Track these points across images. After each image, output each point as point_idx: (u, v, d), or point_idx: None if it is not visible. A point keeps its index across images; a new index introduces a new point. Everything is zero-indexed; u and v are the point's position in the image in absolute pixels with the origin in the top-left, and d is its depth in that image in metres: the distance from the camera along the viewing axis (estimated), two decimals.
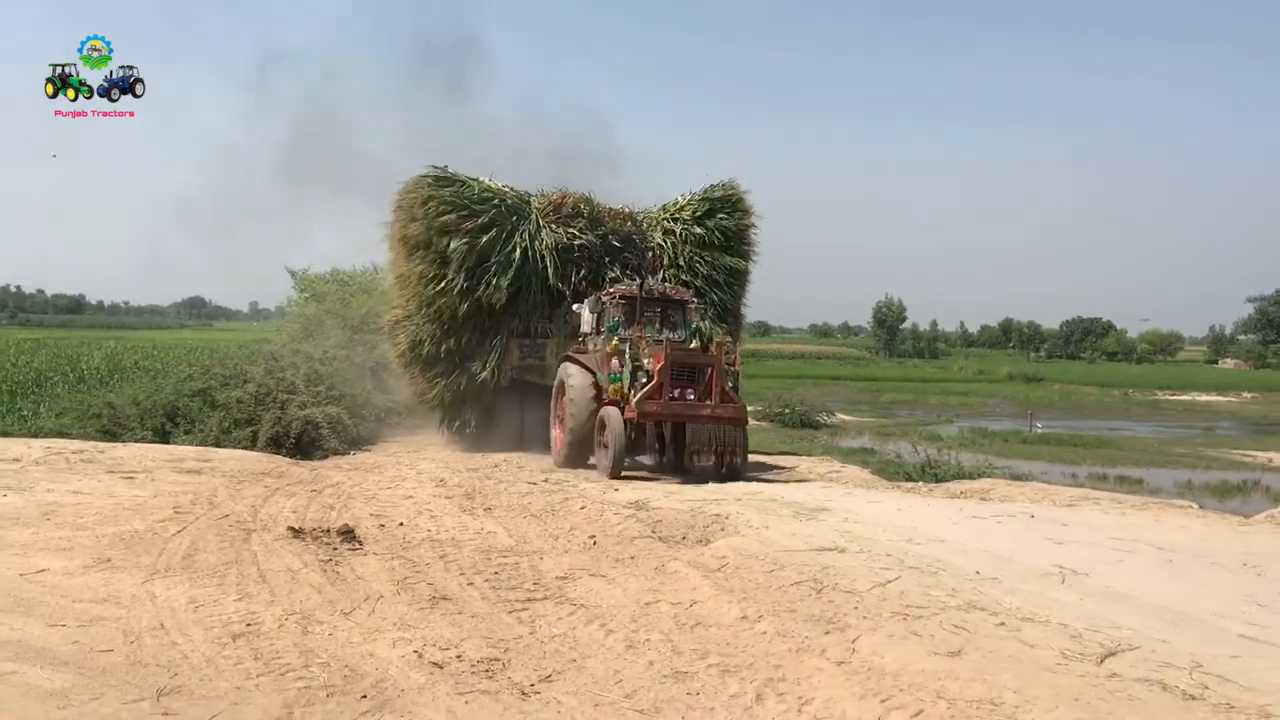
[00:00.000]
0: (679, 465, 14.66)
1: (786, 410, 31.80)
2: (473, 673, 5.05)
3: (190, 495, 9.75)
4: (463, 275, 18.46)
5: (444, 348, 19.06)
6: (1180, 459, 30.92)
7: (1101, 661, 4.87)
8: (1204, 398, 65.42)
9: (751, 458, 15.52)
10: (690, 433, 13.90)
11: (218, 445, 15.86)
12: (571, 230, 19.45)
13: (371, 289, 30.77)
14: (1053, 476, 20.12)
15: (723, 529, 8.75)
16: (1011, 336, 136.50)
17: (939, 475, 18.15)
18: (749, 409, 15.55)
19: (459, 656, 5.27)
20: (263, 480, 11.39)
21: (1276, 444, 30.17)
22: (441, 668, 5.10)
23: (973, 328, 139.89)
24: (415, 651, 5.32)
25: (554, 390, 16.70)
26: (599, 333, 16.22)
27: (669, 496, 10.99)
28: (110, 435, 16.60)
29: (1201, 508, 11.75)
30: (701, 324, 16.27)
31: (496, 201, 19.17)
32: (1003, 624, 5.52)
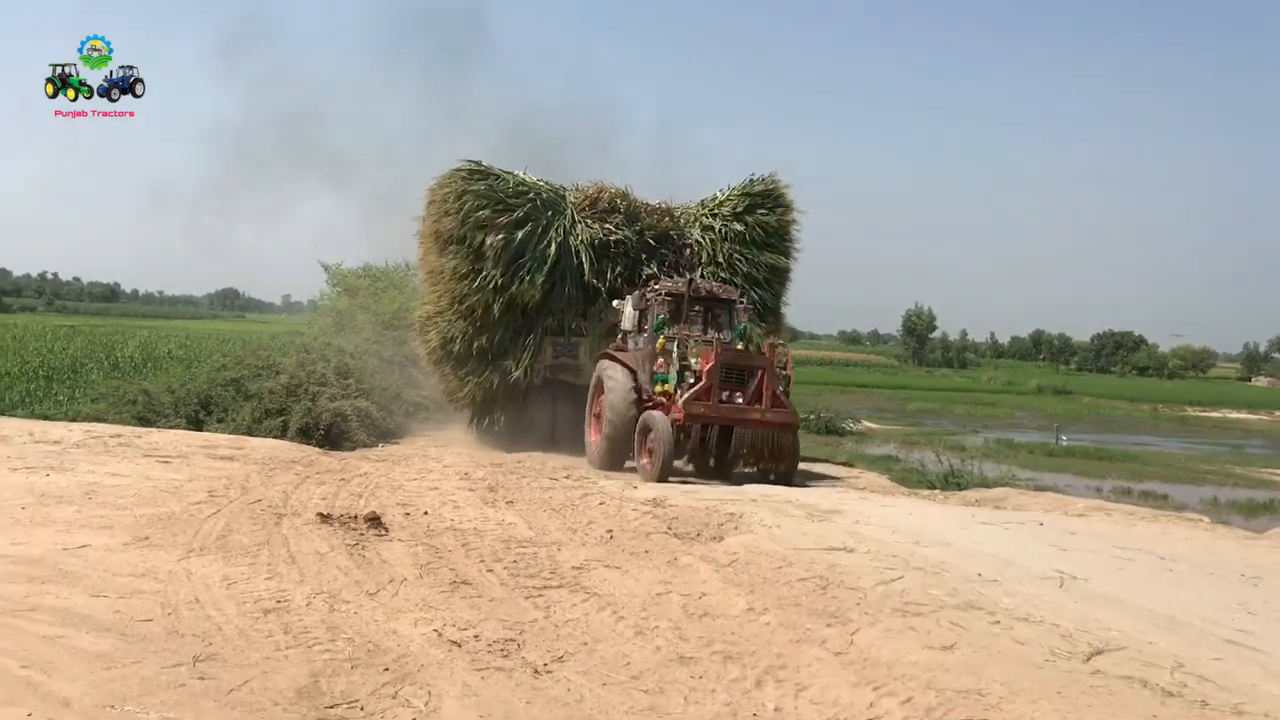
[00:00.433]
0: (722, 471, 14.35)
1: (811, 416, 31.99)
2: (489, 651, 5.33)
3: (224, 480, 10.09)
4: (497, 271, 18.06)
5: (476, 345, 18.65)
6: (1207, 476, 30.85)
7: (1087, 659, 5.10)
8: (1235, 415, 65.00)
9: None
10: (737, 438, 13.60)
11: (249, 434, 16.24)
12: (607, 225, 19.01)
13: (403, 285, 31.17)
14: (1077, 490, 20.19)
15: (736, 527, 8.99)
16: (1042, 348, 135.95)
17: (960, 484, 18.30)
18: None
19: (476, 636, 5.56)
20: (293, 468, 11.73)
21: None
22: (460, 646, 5.39)
23: (1003, 339, 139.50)
24: (435, 630, 5.61)
25: (590, 389, 16.45)
26: (641, 331, 15.88)
27: (686, 495, 11.24)
28: (145, 421, 17.02)
29: (1211, 522, 11.90)
30: (749, 324, 15.93)
31: (531, 196, 18.81)
32: (997, 622, 5.75)
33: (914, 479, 20.49)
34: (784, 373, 14.40)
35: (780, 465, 13.84)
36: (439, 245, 18.92)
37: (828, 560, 7.32)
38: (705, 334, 15.50)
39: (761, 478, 13.70)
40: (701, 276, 17.81)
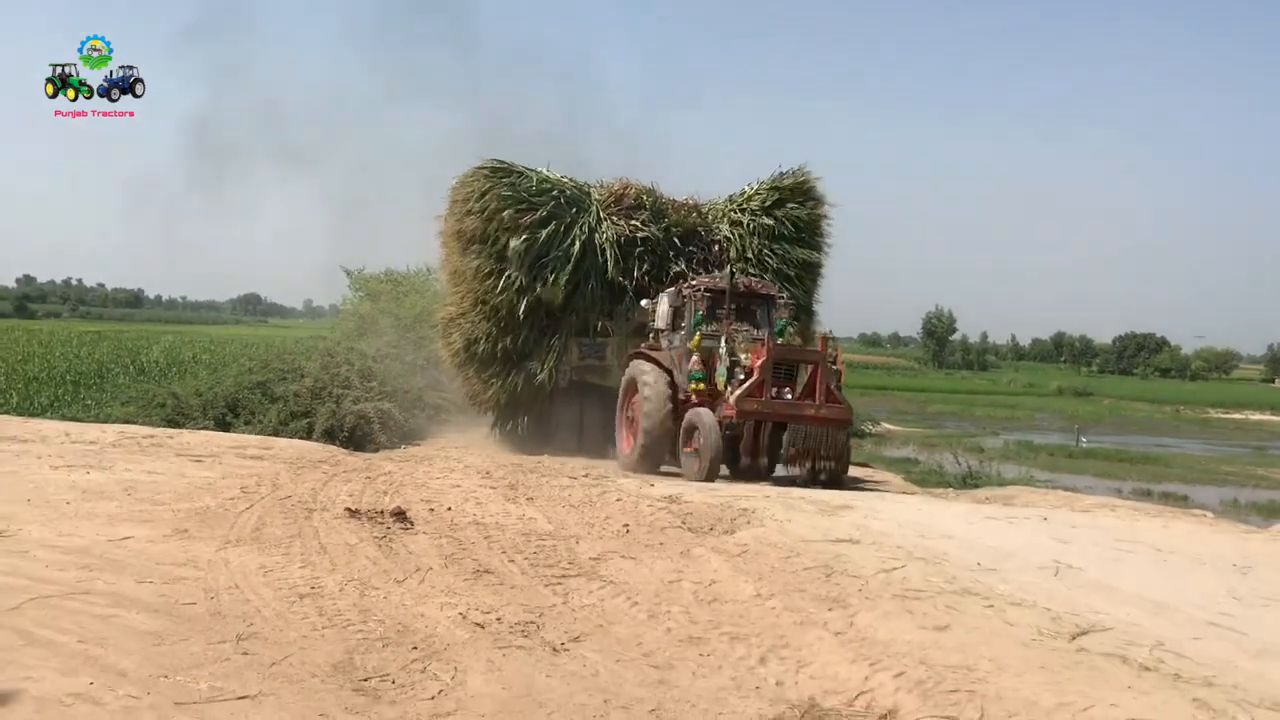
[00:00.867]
0: (769, 470, 14.12)
1: None
2: (510, 632, 5.69)
3: (255, 478, 10.47)
4: (521, 271, 17.86)
5: (500, 346, 18.43)
6: (1228, 477, 31.03)
7: (1073, 639, 5.41)
8: (1257, 416, 64.88)
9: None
10: (790, 435, 13.16)
11: (275, 435, 16.70)
12: (634, 222, 18.71)
13: (424, 289, 31.69)
14: (1096, 491, 20.45)
15: (749, 521, 9.30)
16: (1063, 350, 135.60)
17: (978, 484, 18.54)
18: None
19: (499, 619, 5.91)
20: (320, 467, 12.11)
21: None
22: (483, 627, 5.75)
23: (1024, 340, 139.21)
24: (460, 614, 5.97)
25: (621, 390, 16.07)
26: (676, 329, 15.54)
27: (702, 492, 11.56)
28: (174, 424, 17.53)
29: (1215, 517, 12.15)
30: (789, 320, 15.79)
31: (555, 193, 18.52)
32: (991, 606, 6.07)
33: (932, 480, 20.79)
34: (835, 368, 13.99)
35: (832, 464, 13.43)
36: (462, 245, 18.77)
37: (834, 551, 7.64)
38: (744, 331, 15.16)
39: (802, 480, 13.43)
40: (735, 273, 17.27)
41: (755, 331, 15.15)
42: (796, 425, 13.15)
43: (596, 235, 18.32)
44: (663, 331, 15.82)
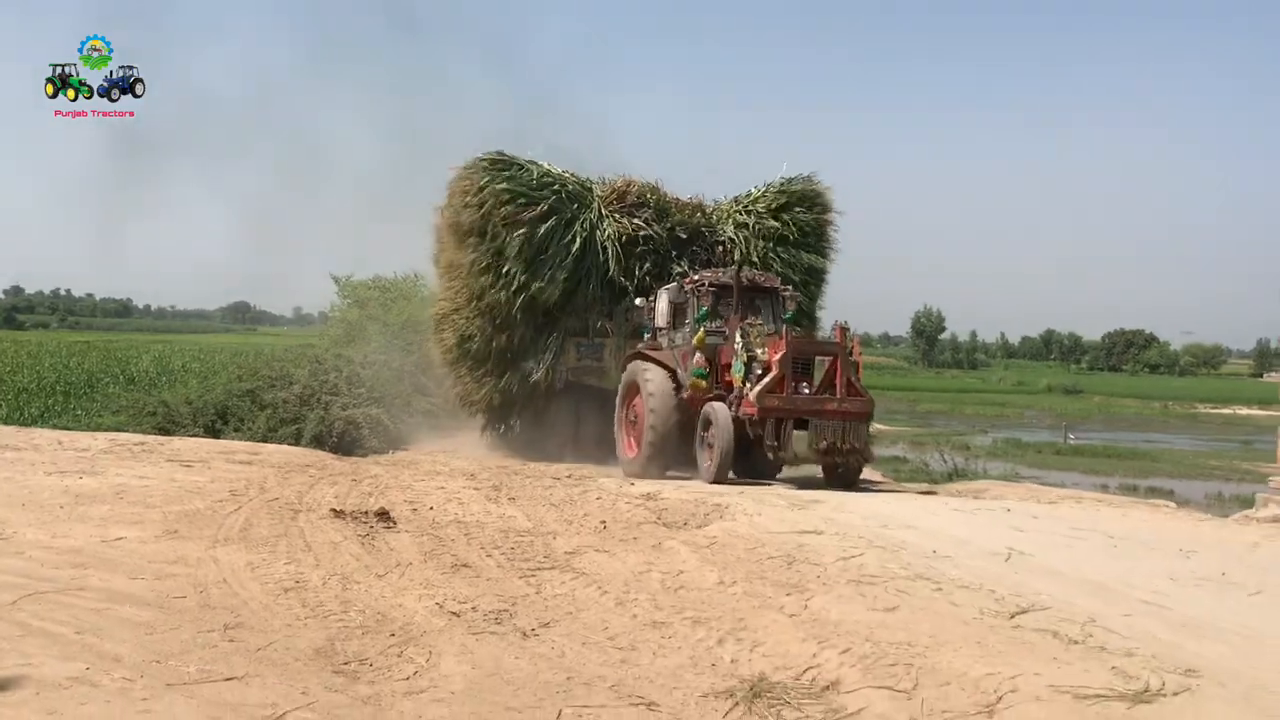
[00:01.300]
0: (776, 470, 13.92)
1: None
2: (484, 620, 6.02)
3: (243, 481, 10.79)
4: (519, 267, 17.35)
5: (495, 344, 17.96)
6: (1214, 472, 31.40)
7: (1011, 617, 5.75)
8: (1245, 411, 65.32)
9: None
10: (815, 431, 12.71)
11: (265, 441, 16.97)
12: (636, 220, 18.14)
13: (412, 295, 31.90)
14: (1083, 487, 20.79)
15: (721, 516, 9.64)
16: (1052, 348, 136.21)
17: (957, 479, 18.88)
18: None
19: (474, 608, 6.24)
20: (307, 471, 12.43)
21: None
22: (458, 615, 6.08)
23: (1013, 338, 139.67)
24: (437, 604, 6.30)
25: (621, 393, 15.60)
26: (677, 326, 15.16)
27: (679, 489, 11.89)
28: (164, 431, 17.78)
29: (1177, 507, 12.52)
30: (796, 312, 15.38)
31: (556, 188, 17.99)
32: (939, 589, 6.41)
33: (919, 477, 21.11)
34: (853, 359, 13.46)
35: (849, 462, 13.13)
36: (458, 239, 18.35)
37: (797, 541, 7.98)
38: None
39: (829, 475, 13.28)
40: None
41: (766, 325, 14.55)
42: (820, 421, 12.76)
43: (598, 233, 17.83)
44: (662, 330, 15.48)
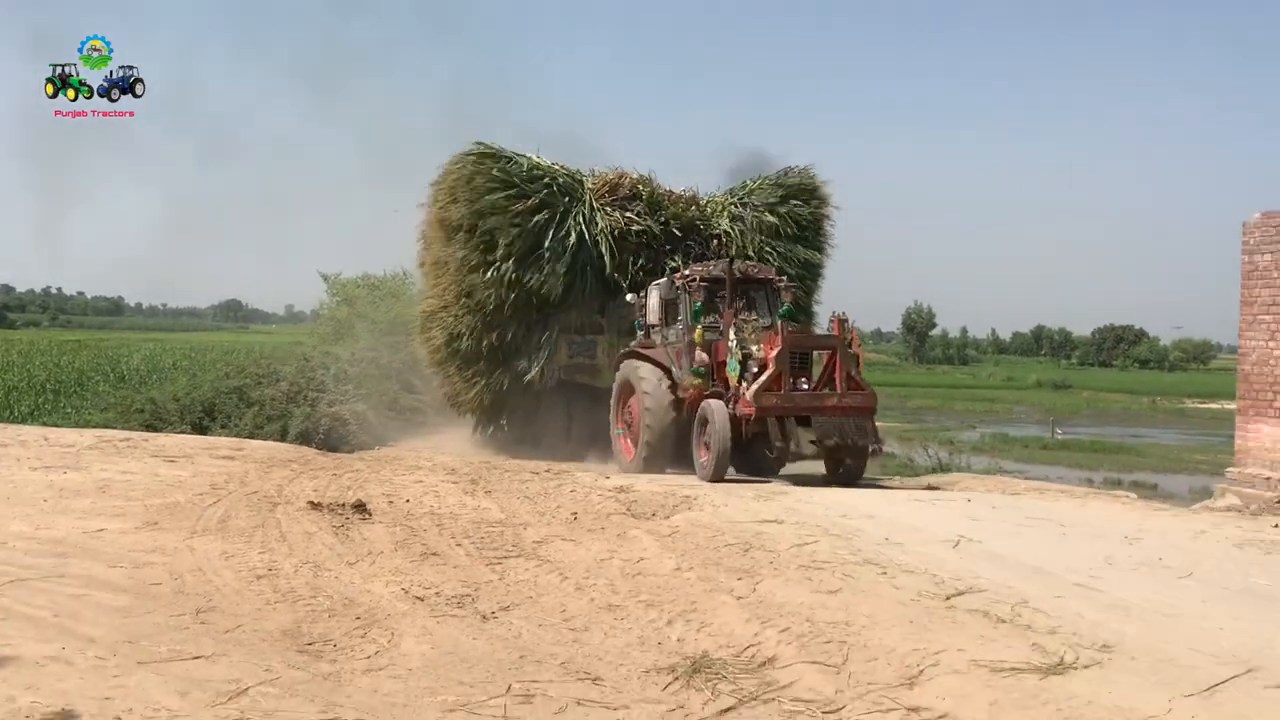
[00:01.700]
0: (778, 467, 13.58)
1: None
2: (447, 604, 6.30)
3: (225, 476, 11.04)
4: (510, 263, 16.99)
5: (485, 343, 17.55)
6: (1199, 465, 31.72)
7: (947, 599, 6.04)
8: (1232, 406, 65.62)
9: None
10: (818, 428, 12.34)
11: (251, 438, 17.23)
12: (629, 214, 17.76)
13: (400, 293, 32.17)
14: (1068, 481, 21.09)
15: (689, 506, 9.93)
16: (1043, 344, 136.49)
17: (937, 471, 19.20)
18: None
19: (438, 593, 6.52)
20: (289, 466, 12.67)
21: None
22: (422, 600, 6.36)
23: (1004, 334, 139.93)
24: (403, 589, 6.58)
25: (614, 393, 15.28)
26: (670, 323, 14.83)
27: (652, 483, 12.17)
28: (152, 428, 18.08)
29: (1138, 498, 12.83)
30: (793, 305, 14.92)
31: (547, 180, 17.57)
32: (884, 573, 6.70)
33: (905, 472, 21.43)
34: (853, 351, 12.97)
35: (852, 458, 12.78)
36: (445, 234, 18.02)
37: (756, 530, 8.27)
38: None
39: (832, 472, 13.00)
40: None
41: (761, 320, 14.26)
42: (821, 418, 12.35)
43: (591, 227, 17.41)
44: (654, 327, 15.11)
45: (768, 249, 18.00)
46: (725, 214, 18.60)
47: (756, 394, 12.41)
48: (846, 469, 12.90)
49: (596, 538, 8.45)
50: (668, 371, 14.31)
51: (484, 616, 6.06)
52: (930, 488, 13.26)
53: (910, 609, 5.84)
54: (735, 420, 12.71)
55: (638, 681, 5.01)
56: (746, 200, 18.77)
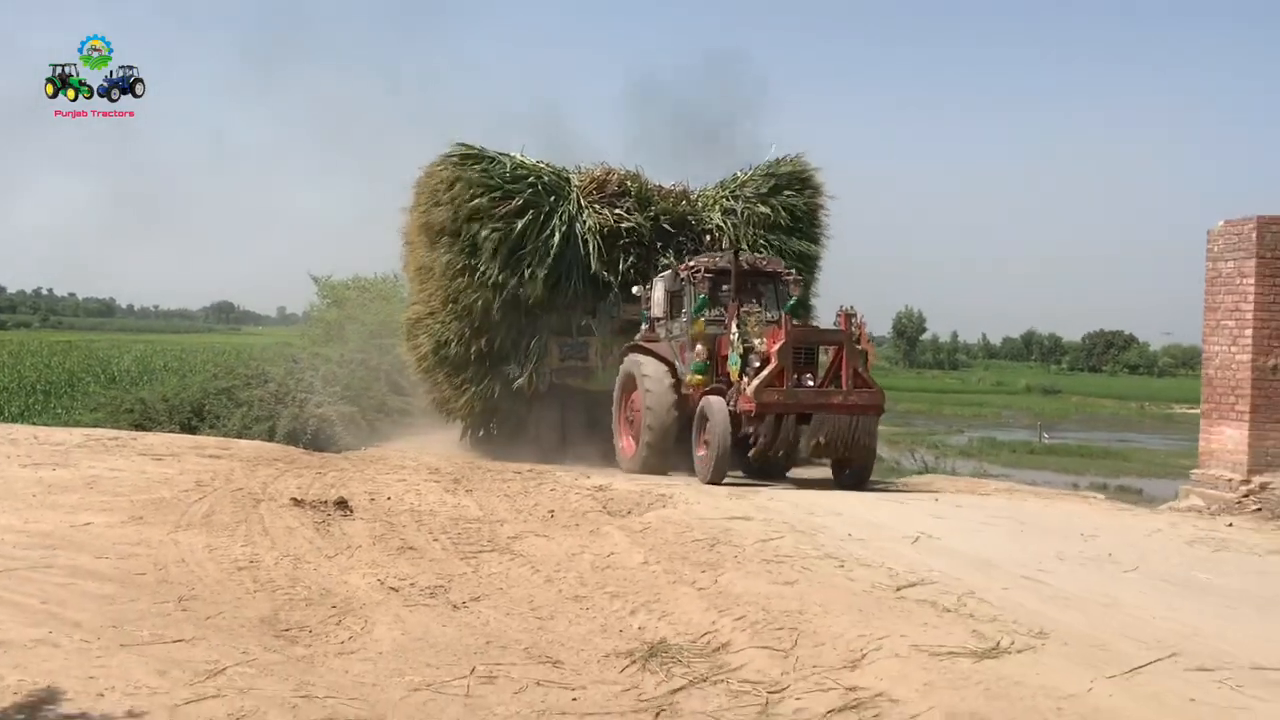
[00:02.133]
0: (785, 468, 13.37)
1: None
2: (420, 594, 6.56)
3: (210, 473, 11.27)
4: (495, 265, 16.55)
5: (474, 349, 17.14)
6: (1184, 470, 31.99)
7: (898, 590, 6.32)
8: None
9: None
10: (817, 426, 11.90)
11: (239, 438, 17.44)
12: (618, 211, 17.29)
13: (390, 296, 32.38)
14: (1054, 486, 21.39)
15: (664, 505, 10.19)
16: (1033, 349, 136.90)
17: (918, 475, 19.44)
18: None
19: (412, 584, 6.79)
20: (275, 464, 12.91)
21: None
22: (397, 591, 6.63)
23: (995, 339, 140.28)
24: (379, 580, 6.85)
25: (616, 389, 14.99)
26: (674, 316, 14.39)
27: (630, 481, 12.42)
28: (141, 428, 18.30)
29: (1106, 499, 13.13)
30: (801, 297, 14.62)
31: (532, 180, 17.10)
32: (841, 566, 6.98)
33: (890, 475, 21.69)
34: (860, 348, 12.50)
35: (858, 460, 12.36)
36: (429, 239, 17.66)
37: (725, 526, 8.54)
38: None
39: (836, 475, 12.67)
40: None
41: (766, 313, 13.73)
42: (822, 416, 11.90)
43: (577, 225, 16.96)
44: (659, 320, 14.71)
45: (762, 242, 17.53)
46: (717, 207, 18.16)
47: (757, 389, 11.98)
48: (854, 472, 12.48)
49: (570, 534, 8.71)
50: (671, 366, 13.93)
51: (455, 606, 6.33)
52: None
53: (861, 599, 6.11)
54: (735, 417, 12.33)
55: (597, 665, 5.28)
56: (738, 193, 18.30)
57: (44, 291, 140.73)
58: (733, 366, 12.55)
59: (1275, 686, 4.65)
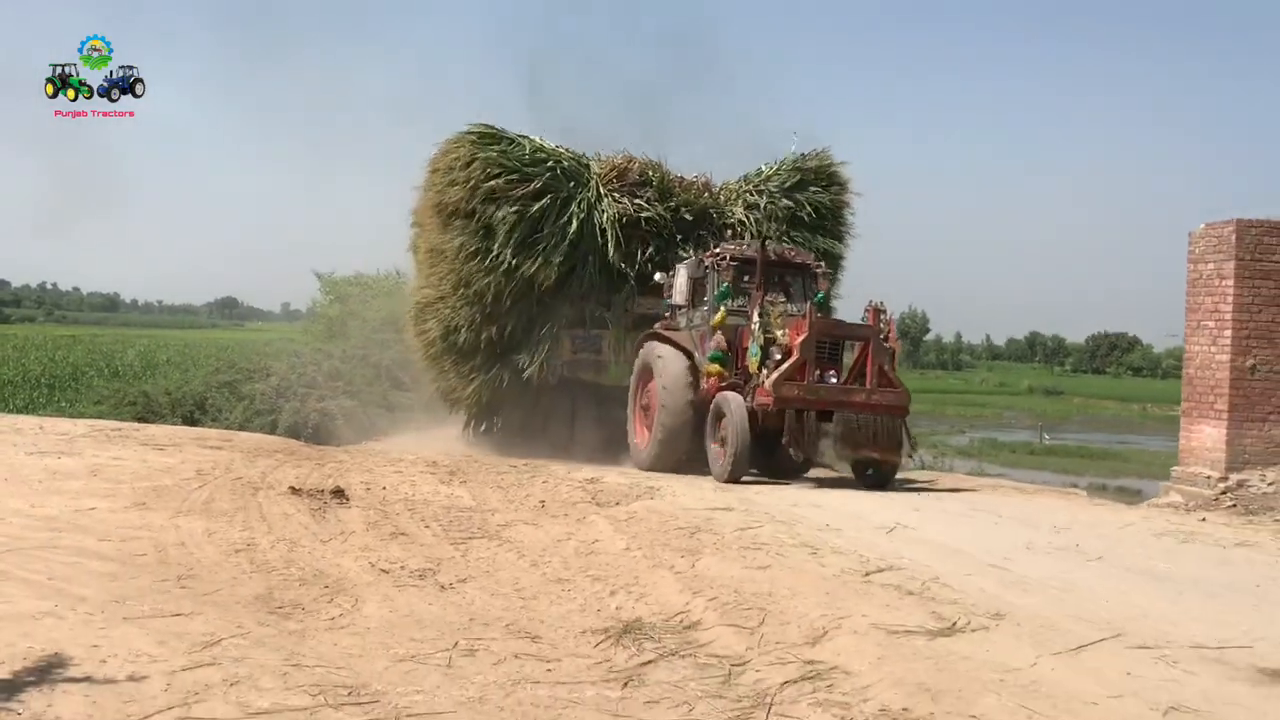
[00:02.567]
0: (804, 468, 12.96)
1: None
2: (409, 576, 6.85)
3: (211, 463, 11.56)
4: (510, 250, 16.05)
5: (484, 336, 16.66)
6: None
7: (866, 575, 6.60)
8: None
9: None
10: (837, 425, 11.44)
11: (240, 431, 17.74)
12: (638, 201, 16.77)
13: (393, 292, 32.70)
14: (1051, 486, 21.68)
15: (651, 496, 10.48)
16: (1036, 350, 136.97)
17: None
18: None
19: (402, 567, 7.08)
20: (275, 455, 13.19)
21: None
22: (387, 573, 6.91)
23: (998, 340, 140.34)
24: (370, 563, 7.13)
25: (634, 378, 14.58)
26: (696, 305, 13.94)
27: (622, 476, 12.68)
28: (144, 421, 18.58)
29: (1088, 496, 13.41)
30: (828, 293, 14.13)
31: (551, 164, 16.63)
32: (815, 553, 7.26)
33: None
34: (887, 345, 12.09)
35: (881, 461, 11.88)
36: (442, 220, 17.10)
37: (706, 515, 8.82)
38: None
39: (858, 475, 12.21)
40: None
41: (791, 305, 13.21)
42: (845, 414, 11.46)
43: (596, 214, 16.44)
44: (680, 308, 14.21)
45: (785, 238, 16.85)
46: (740, 201, 17.67)
47: (776, 383, 11.54)
48: (876, 474, 12.01)
49: (558, 522, 9.00)
50: (690, 356, 13.44)
51: (442, 587, 6.61)
52: None
53: (830, 583, 6.39)
54: (753, 414, 11.91)
55: (573, 640, 5.57)
56: (762, 186, 17.79)
57: (48, 286, 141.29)
58: (752, 358, 12.16)
59: (1209, 663, 4.93)
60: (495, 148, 16.53)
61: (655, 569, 6.99)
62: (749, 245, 14.06)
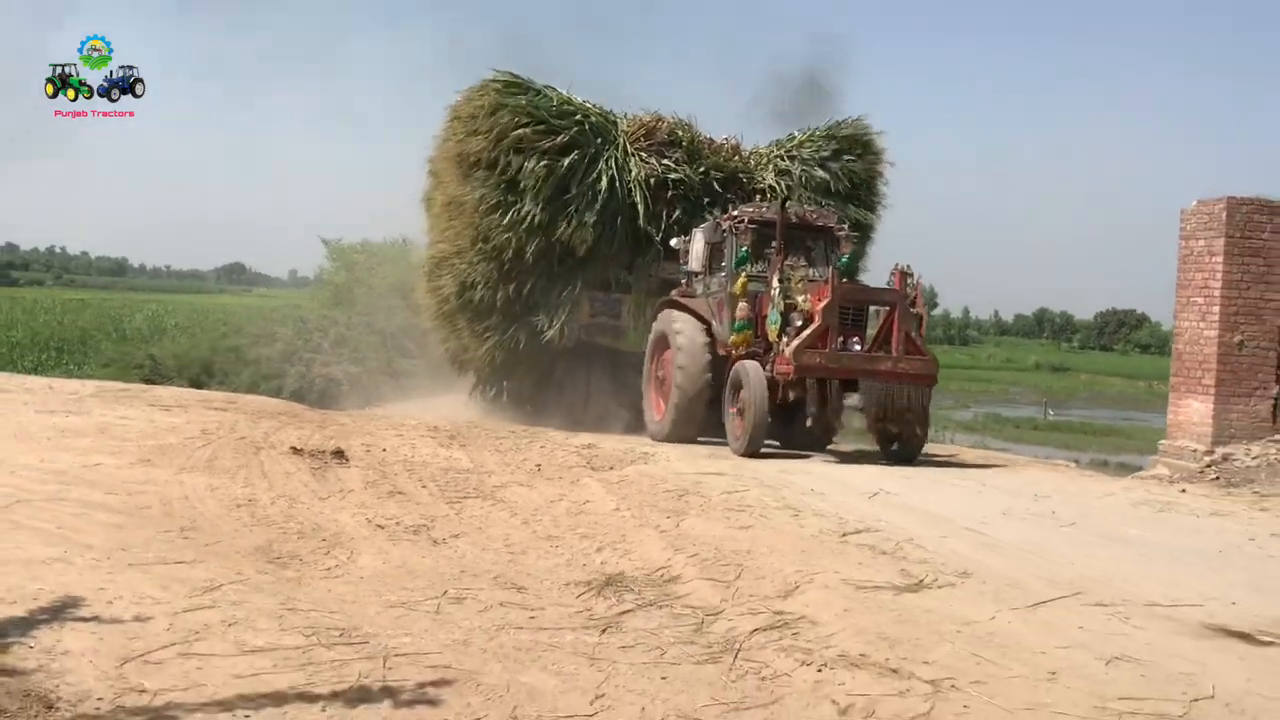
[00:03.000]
0: (826, 440, 12.59)
1: None
2: (404, 531, 7.12)
3: (216, 423, 11.81)
4: (536, 206, 15.42)
5: (501, 295, 16.03)
6: None
7: (843, 536, 6.84)
8: None
9: None
10: (864, 396, 11.03)
11: (246, 395, 18.02)
12: (665, 162, 16.19)
13: (399, 259, 32.92)
14: (1057, 459, 21.94)
15: (644, 461, 10.73)
16: (1044, 326, 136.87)
17: None
18: None
19: (398, 523, 7.34)
20: (278, 418, 13.44)
21: None
22: (383, 528, 7.18)
23: (1006, 316, 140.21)
24: (367, 519, 7.40)
25: (649, 347, 14.03)
26: (714, 271, 13.37)
27: (620, 442, 12.93)
28: (151, 383, 18.92)
29: (1079, 468, 13.64)
30: (850, 265, 13.63)
31: (579, 118, 16.03)
32: (796, 515, 7.51)
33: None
34: (914, 311, 11.53)
35: (906, 433, 11.35)
36: (462, 171, 16.35)
37: (696, 479, 9.07)
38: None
39: (883, 448, 11.63)
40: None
41: (813, 270, 12.71)
42: (870, 384, 10.95)
43: (624, 173, 15.85)
44: (698, 275, 13.64)
45: (815, 204, 15.91)
46: (771, 167, 17.06)
47: (797, 351, 11.03)
48: (902, 447, 11.47)
49: (552, 484, 9.26)
50: (708, 324, 12.99)
51: (435, 542, 6.88)
52: None
53: (808, 543, 6.64)
54: (773, 383, 11.43)
55: (557, 591, 5.83)
56: (795, 153, 17.23)
57: (57, 250, 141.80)
58: (772, 325, 11.66)
59: (1158, 619, 5.17)
60: (521, 97, 15.99)
61: (641, 528, 7.24)
62: (768, 207, 13.50)
